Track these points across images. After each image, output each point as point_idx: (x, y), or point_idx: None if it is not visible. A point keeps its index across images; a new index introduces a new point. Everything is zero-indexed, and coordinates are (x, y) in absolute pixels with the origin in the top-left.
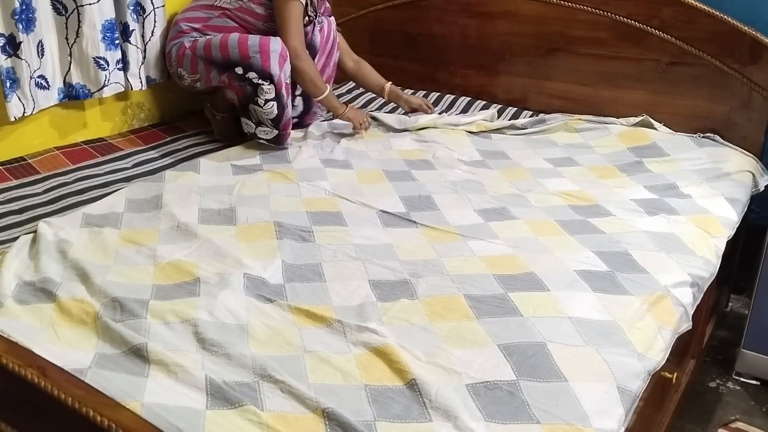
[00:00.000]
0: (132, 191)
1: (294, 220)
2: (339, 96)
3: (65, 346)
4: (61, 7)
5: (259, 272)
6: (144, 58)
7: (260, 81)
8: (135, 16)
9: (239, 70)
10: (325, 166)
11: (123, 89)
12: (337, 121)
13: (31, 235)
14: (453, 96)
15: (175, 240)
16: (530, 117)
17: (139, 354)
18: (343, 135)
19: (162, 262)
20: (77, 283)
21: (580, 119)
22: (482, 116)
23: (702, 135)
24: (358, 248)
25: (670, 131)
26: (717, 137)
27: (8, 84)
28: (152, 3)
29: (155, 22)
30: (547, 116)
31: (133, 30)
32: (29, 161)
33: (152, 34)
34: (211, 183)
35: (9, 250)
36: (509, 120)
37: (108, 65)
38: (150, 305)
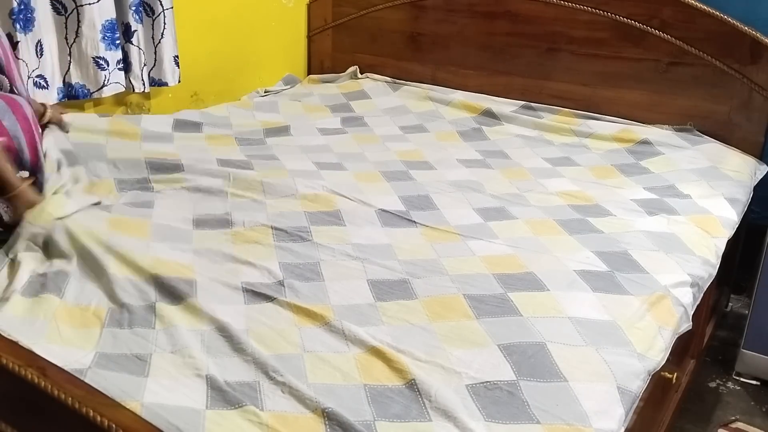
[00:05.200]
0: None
1: (292, 220)
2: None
3: (65, 346)
4: (60, 7)
5: (259, 272)
6: (155, 60)
7: None
8: (137, 17)
9: None
10: (319, 168)
11: (123, 89)
12: None
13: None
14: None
15: (170, 239)
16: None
17: (141, 357)
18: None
19: (159, 260)
20: (83, 281)
21: (571, 113)
22: None
23: (684, 127)
24: (357, 248)
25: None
26: (695, 131)
27: None
28: (161, 5)
29: (165, 24)
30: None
31: (135, 31)
32: None
33: (162, 36)
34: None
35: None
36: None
37: (108, 65)
38: (156, 308)
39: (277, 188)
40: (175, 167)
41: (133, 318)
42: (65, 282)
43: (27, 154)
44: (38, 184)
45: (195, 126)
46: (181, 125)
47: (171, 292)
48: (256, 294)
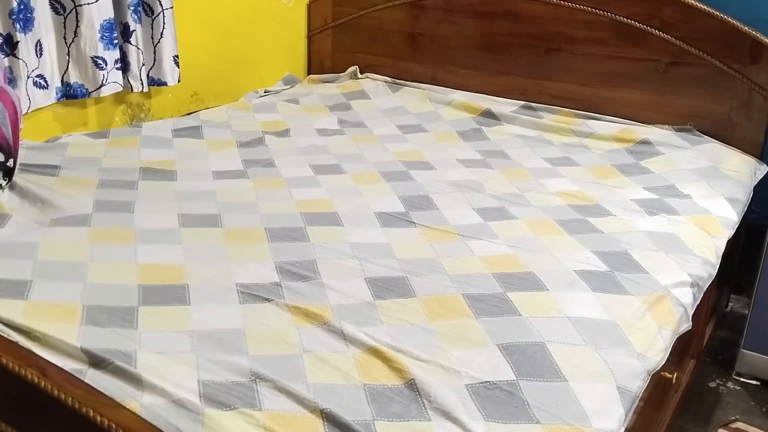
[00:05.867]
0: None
1: (287, 220)
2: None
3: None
4: (59, 7)
5: (255, 272)
6: (154, 60)
7: None
8: (136, 17)
9: None
10: (316, 173)
11: (121, 89)
12: None
13: None
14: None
15: (158, 241)
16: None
17: (125, 353)
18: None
19: (145, 263)
20: (53, 283)
21: (571, 113)
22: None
23: (684, 127)
24: (354, 247)
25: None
26: (695, 131)
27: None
28: (161, 4)
29: (164, 24)
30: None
31: (134, 31)
32: None
33: (162, 36)
34: (193, 191)
35: None
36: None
37: (106, 65)
38: (139, 311)
39: (272, 196)
40: (168, 176)
41: (113, 318)
42: (26, 287)
43: (11, 141)
44: (11, 172)
45: (195, 130)
46: (180, 131)
47: (159, 298)
48: (252, 295)
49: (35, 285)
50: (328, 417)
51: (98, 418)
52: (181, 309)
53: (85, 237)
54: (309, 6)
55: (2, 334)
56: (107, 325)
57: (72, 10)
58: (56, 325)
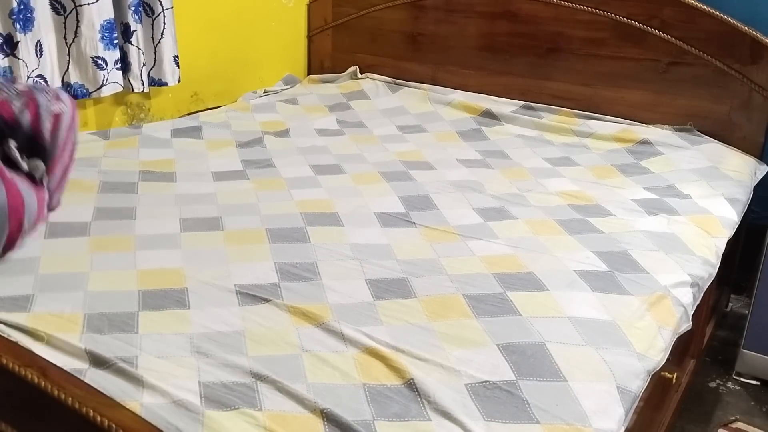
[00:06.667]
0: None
1: (287, 221)
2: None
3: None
4: (59, 7)
5: (253, 273)
6: (155, 60)
7: None
8: (137, 17)
9: None
10: (316, 173)
11: (121, 89)
12: None
13: None
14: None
15: (157, 247)
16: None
17: (126, 360)
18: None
19: (145, 268)
20: (54, 294)
21: (571, 113)
22: None
23: (684, 127)
24: (354, 248)
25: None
26: (695, 131)
27: None
28: (161, 5)
29: (164, 24)
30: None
31: (134, 31)
32: None
33: (162, 36)
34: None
35: None
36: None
37: (106, 65)
38: (140, 316)
39: (272, 197)
40: (168, 177)
41: (114, 325)
42: (29, 302)
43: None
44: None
45: (194, 130)
46: (180, 131)
47: (158, 303)
48: (251, 296)
49: (37, 298)
50: (328, 417)
51: (98, 418)
52: (180, 312)
53: (85, 246)
54: (309, 6)
55: (2, 334)
56: (108, 332)
57: (72, 10)
58: (58, 334)
